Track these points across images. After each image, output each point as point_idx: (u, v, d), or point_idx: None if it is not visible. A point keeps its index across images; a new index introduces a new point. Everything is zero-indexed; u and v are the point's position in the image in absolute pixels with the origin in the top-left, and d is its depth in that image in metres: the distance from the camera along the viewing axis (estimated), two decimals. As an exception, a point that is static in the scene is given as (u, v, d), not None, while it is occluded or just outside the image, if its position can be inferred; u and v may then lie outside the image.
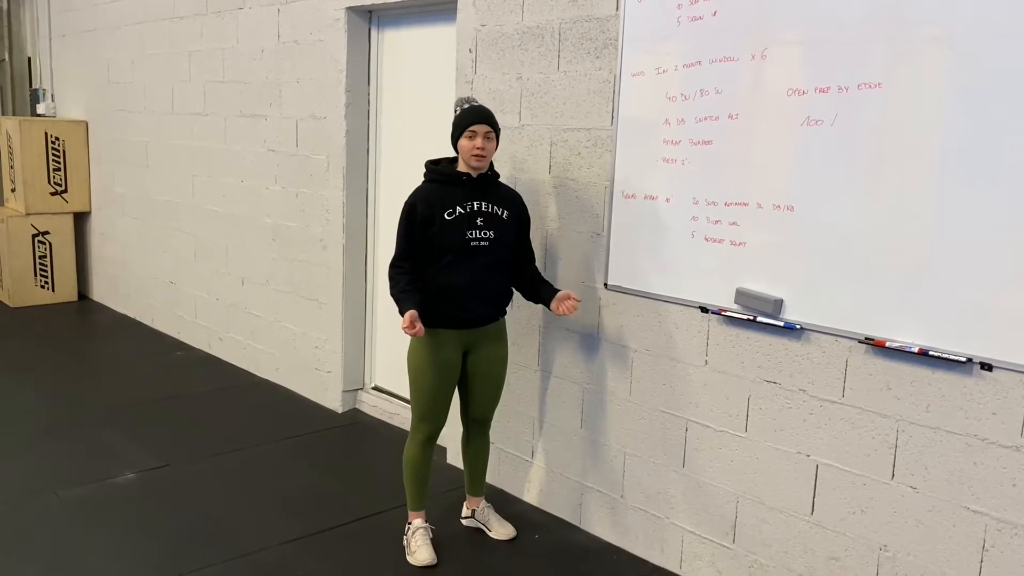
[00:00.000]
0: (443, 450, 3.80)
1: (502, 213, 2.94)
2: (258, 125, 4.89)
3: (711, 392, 2.86)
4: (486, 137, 2.84)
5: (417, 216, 2.85)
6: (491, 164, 2.95)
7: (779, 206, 2.58)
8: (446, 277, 2.87)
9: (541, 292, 3.02)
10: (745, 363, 2.75)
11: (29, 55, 7.59)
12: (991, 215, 2.15)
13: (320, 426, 4.33)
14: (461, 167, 2.91)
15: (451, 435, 3.70)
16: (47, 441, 3.99)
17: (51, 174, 6.63)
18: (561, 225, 3.29)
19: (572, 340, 3.30)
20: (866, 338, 2.42)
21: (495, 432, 3.53)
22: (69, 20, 6.85)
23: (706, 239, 2.78)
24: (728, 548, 2.87)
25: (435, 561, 3.01)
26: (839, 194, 2.43)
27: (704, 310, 2.83)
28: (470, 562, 3.06)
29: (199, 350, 5.62)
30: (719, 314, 2.79)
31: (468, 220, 2.86)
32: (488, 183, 2.94)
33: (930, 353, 2.29)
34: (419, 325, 2.71)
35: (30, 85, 7.59)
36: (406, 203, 2.89)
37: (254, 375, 5.12)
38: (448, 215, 2.85)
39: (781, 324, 2.62)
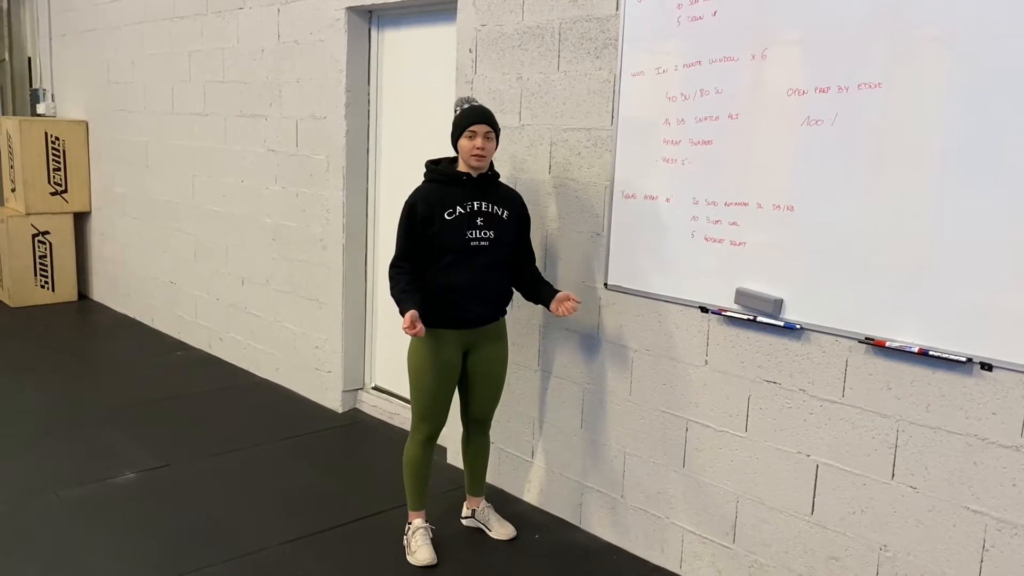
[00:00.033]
0: (443, 450, 3.80)
1: (502, 213, 2.94)
2: (258, 125, 4.89)
3: (711, 392, 2.86)
4: (486, 137, 2.84)
5: (417, 216, 2.85)
6: (491, 164, 2.95)
7: (779, 206, 2.58)
8: (446, 277, 2.87)
9: (541, 292, 3.02)
10: (745, 363, 2.75)
11: (29, 55, 7.59)
12: (991, 215, 2.15)
13: (320, 426, 4.33)
14: (461, 167, 2.91)
15: (451, 435, 3.70)
16: (47, 441, 3.99)
17: (51, 174, 6.63)
18: (561, 225, 3.29)
19: (572, 340, 3.30)
20: (866, 338, 2.42)
21: (495, 432, 3.53)
22: (69, 20, 6.85)
23: (706, 239, 2.78)
24: (728, 548, 2.87)
25: (435, 561, 3.01)
26: (839, 194, 2.43)
27: (704, 310, 2.83)
28: (470, 562, 3.06)
29: (199, 350, 5.62)
30: (719, 314, 2.79)
31: (468, 220, 2.86)
32: (488, 183, 2.94)
33: (930, 353, 2.29)
34: (420, 325, 2.71)
35: (30, 85, 7.59)
36: (406, 203, 2.89)
37: (254, 375, 5.12)
38: (448, 215, 2.85)
39: (781, 324, 2.62)
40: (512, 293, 3.07)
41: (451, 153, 2.99)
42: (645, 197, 2.96)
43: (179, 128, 5.60)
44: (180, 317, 5.83)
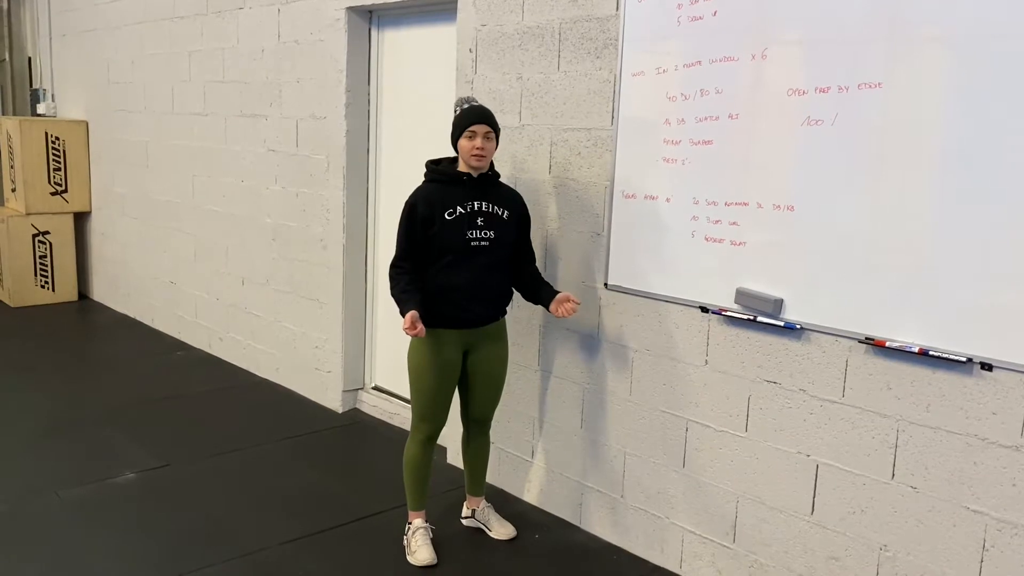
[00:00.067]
0: (443, 450, 3.80)
1: (502, 213, 2.94)
2: (258, 125, 4.89)
3: (711, 392, 2.86)
4: (486, 137, 2.84)
5: (417, 216, 2.85)
6: (492, 164, 2.95)
7: (779, 206, 2.58)
8: (446, 277, 2.87)
9: (541, 293, 3.02)
10: (745, 363, 2.75)
11: (29, 55, 7.59)
12: (991, 215, 2.15)
13: (320, 426, 4.33)
14: (461, 167, 2.91)
15: (451, 435, 3.70)
16: (47, 441, 3.99)
17: (51, 174, 6.63)
18: (561, 225, 3.29)
19: (572, 340, 3.30)
20: (866, 338, 2.42)
21: (495, 432, 3.53)
22: (69, 20, 6.85)
23: (706, 239, 2.78)
24: (728, 548, 2.87)
25: (435, 561, 3.01)
26: (839, 194, 2.43)
27: (704, 310, 2.83)
28: (470, 562, 3.06)
29: (199, 350, 5.62)
30: (719, 314, 2.79)
31: (468, 220, 2.86)
32: (488, 183, 2.94)
33: (930, 353, 2.29)
34: (420, 326, 2.71)
35: (30, 85, 7.59)
36: (406, 203, 2.90)
37: (254, 375, 5.12)
38: (448, 215, 2.85)
39: (781, 324, 2.62)
40: (512, 293, 3.07)
41: (451, 153, 2.99)
42: (645, 197, 2.96)
43: (179, 128, 5.60)
44: (180, 317, 5.83)
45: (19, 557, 2.95)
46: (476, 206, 2.88)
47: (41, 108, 7.17)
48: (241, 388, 4.88)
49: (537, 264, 3.18)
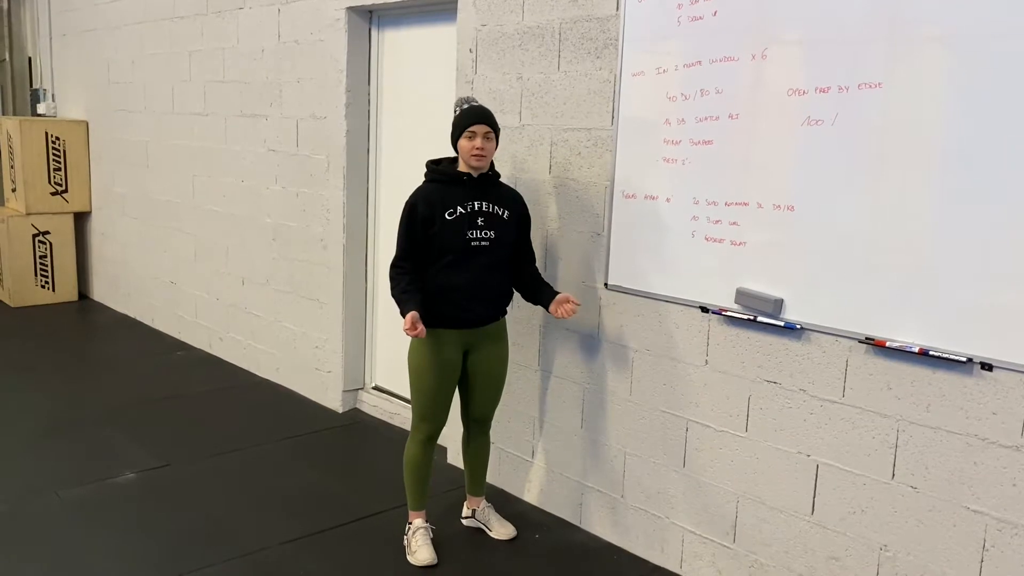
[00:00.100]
0: (443, 450, 3.80)
1: (503, 213, 2.94)
2: (258, 125, 4.89)
3: (711, 392, 2.86)
4: (485, 137, 2.84)
5: (418, 216, 2.85)
6: (492, 164, 2.95)
7: (779, 206, 2.58)
8: (447, 277, 2.87)
9: (540, 294, 3.02)
10: (745, 363, 2.75)
11: (29, 55, 7.59)
12: (991, 215, 2.15)
13: (320, 426, 4.33)
14: (462, 167, 2.91)
15: (451, 435, 3.71)
16: (47, 441, 3.99)
17: (51, 174, 6.63)
18: (561, 225, 3.29)
19: (572, 340, 3.30)
20: (866, 338, 2.42)
21: (495, 432, 3.53)
22: (69, 20, 6.85)
23: (706, 239, 2.78)
24: (728, 548, 2.87)
25: (435, 561, 3.01)
26: (839, 194, 2.43)
27: (704, 310, 2.83)
28: (470, 562, 3.06)
29: (199, 350, 5.62)
30: (719, 314, 2.79)
31: (469, 220, 2.86)
32: (489, 183, 2.94)
33: (930, 353, 2.29)
34: (420, 327, 2.71)
35: (30, 85, 7.59)
36: (407, 203, 2.90)
37: (254, 375, 5.12)
38: (449, 215, 2.85)
39: (781, 324, 2.62)
40: (512, 293, 3.07)
41: (451, 153, 2.99)
42: (645, 197, 2.96)
43: (179, 128, 5.60)
44: (180, 317, 5.83)
45: (19, 557, 2.95)
46: (476, 206, 2.88)
47: (41, 108, 7.17)
48: (241, 388, 4.88)
49: (537, 264, 3.18)
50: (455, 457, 3.83)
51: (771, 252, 2.62)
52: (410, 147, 4.22)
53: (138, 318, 6.36)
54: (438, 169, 2.94)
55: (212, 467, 3.77)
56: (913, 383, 2.36)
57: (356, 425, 4.38)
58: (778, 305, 2.61)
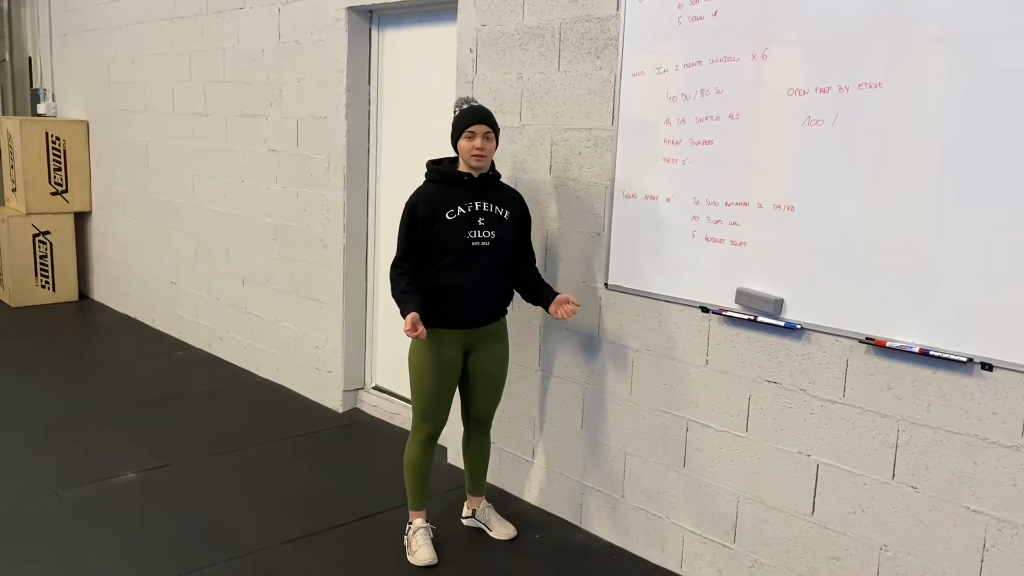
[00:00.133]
0: (444, 450, 3.80)
1: (503, 213, 2.94)
2: (258, 125, 4.89)
3: (712, 392, 2.86)
4: (485, 137, 2.84)
5: (418, 216, 2.85)
6: (492, 164, 2.95)
7: (779, 206, 2.58)
8: (447, 277, 2.87)
9: (540, 294, 3.02)
10: (746, 363, 2.75)
11: (30, 55, 7.59)
12: (991, 215, 2.15)
13: (320, 426, 4.33)
14: (462, 167, 2.91)
15: (452, 435, 3.71)
16: (47, 441, 3.99)
17: (52, 174, 6.64)
18: (562, 225, 3.29)
19: (573, 340, 3.30)
20: (867, 338, 2.42)
21: (496, 432, 3.53)
22: (69, 20, 6.85)
23: (707, 239, 2.78)
24: (729, 548, 2.87)
25: (436, 561, 3.01)
26: (840, 194, 2.43)
27: (705, 310, 2.83)
28: (471, 562, 3.06)
29: (200, 350, 5.62)
30: (720, 314, 2.79)
31: (469, 220, 2.86)
32: (489, 183, 2.94)
33: (931, 353, 2.29)
34: (421, 327, 2.71)
35: (31, 85, 7.59)
36: (407, 203, 2.90)
37: (255, 375, 5.12)
38: (449, 215, 2.85)
39: (782, 324, 2.62)
40: (513, 294, 3.07)
41: (452, 153, 2.99)
42: (646, 197, 2.96)
43: (179, 128, 5.61)
44: (180, 317, 5.83)
45: (19, 557, 2.95)
46: (477, 206, 2.88)
47: (41, 108, 7.17)
48: (241, 388, 4.88)
49: (537, 264, 3.18)
50: (455, 457, 3.83)
51: (771, 252, 2.62)
52: (410, 147, 4.22)
53: (138, 318, 6.37)
54: (438, 169, 2.94)
55: (212, 467, 3.77)
56: (913, 383, 2.36)
57: (356, 425, 4.38)
58: (778, 305, 2.61)
